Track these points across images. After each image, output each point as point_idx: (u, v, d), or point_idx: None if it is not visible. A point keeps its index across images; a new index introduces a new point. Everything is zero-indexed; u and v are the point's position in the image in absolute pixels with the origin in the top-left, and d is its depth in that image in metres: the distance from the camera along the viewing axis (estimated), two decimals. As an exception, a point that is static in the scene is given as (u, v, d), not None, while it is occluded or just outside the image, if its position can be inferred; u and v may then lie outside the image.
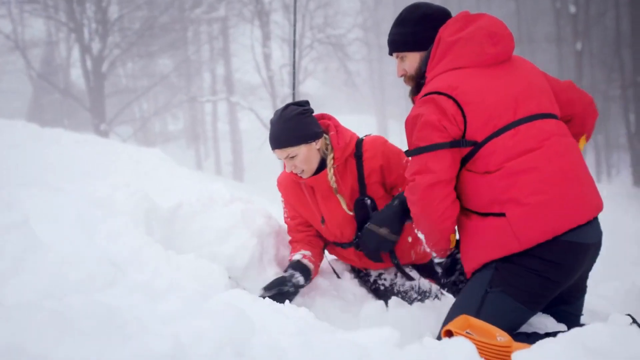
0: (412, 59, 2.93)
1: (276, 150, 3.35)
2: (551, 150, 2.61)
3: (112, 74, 26.24)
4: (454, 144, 2.64)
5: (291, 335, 1.82)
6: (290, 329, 1.90)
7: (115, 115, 23.57)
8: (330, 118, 3.50)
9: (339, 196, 3.42)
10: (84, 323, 1.31)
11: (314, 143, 3.31)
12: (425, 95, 2.69)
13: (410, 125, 2.76)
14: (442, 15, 2.89)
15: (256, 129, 28.92)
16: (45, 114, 31.43)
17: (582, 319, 3.05)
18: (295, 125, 3.27)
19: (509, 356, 1.87)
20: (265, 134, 25.51)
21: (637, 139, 24.08)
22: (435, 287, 3.71)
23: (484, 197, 2.63)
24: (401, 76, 3.01)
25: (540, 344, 1.82)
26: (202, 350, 1.34)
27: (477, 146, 2.62)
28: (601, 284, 4.64)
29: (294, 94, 4.53)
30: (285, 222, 3.72)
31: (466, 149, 2.65)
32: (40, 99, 32.69)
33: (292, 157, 3.31)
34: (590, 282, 3.36)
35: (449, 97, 2.63)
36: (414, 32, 2.88)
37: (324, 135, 3.39)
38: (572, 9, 24.56)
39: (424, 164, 2.67)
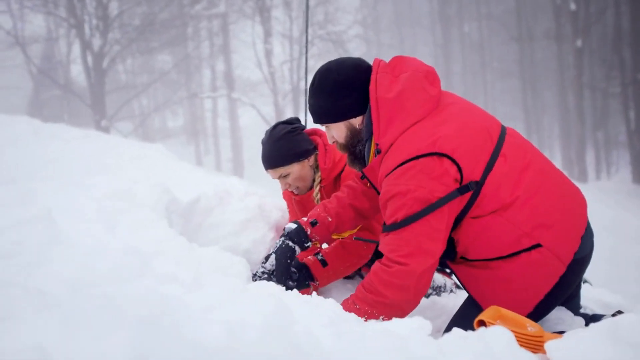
0: (337, 128, 2.74)
1: (269, 171, 3.32)
2: (538, 164, 2.58)
3: (112, 70, 26.19)
4: (453, 194, 2.42)
5: (323, 326, 1.83)
6: (322, 319, 1.91)
7: (116, 112, 23.54)
8: (321, 135, 3.41)
9: None
10: (135, 311, 1.32)
11: (305, 161, 3.28)
12: (405, 162, 2.45)
13: (394, 203, 2.47)
14: (355, 76, 2.66)
15: (256, 125, 28.95)
16: (45, 110, 31.42)
17: (599, 312, 3.09)
18: (284, 144, 3.24)
19: (541, 346, 1.89)
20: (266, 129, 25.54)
21: (636, 136, 24.13)
22: (449, 282, 3.74)
23: (508, 236, 2.46)
24: (332, 143, 2.84)
25: (572, 333, 1.84)
26: (250, 337, 1.36)
27: (478, 185, 2.46)
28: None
29: (306, 90, 4.54)
30: None
31: (467, 195, 2.47)
32: (40, 94, 32.67)
33: (285, 176, 3.29)
34: (596, 282, 3.42)
35: (437, 154, 2.42)
36: (330, 105, 2.68)
37: (316, 151, 3.34)
38: (573, 6, 24.59)
39: (418, 245, 2.43)
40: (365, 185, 3.01)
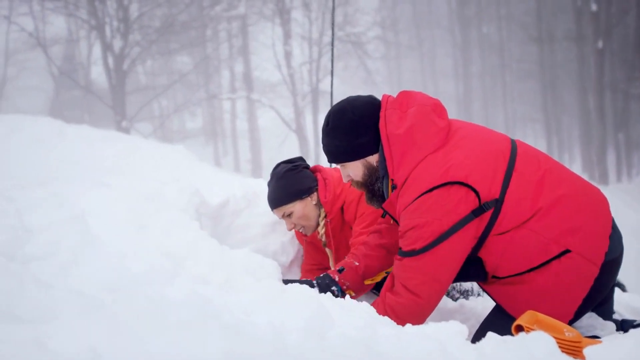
0: (354, 167, 2.77)
1: (273, 210, 3.32)
2: (553, 172, 2.59)
3: (132, 72, 26.36)
4: (468, 217, 2.45)
5: (358, 328, 1.83)
6: (357, 322, 1.92)
7: (136, 113, 23.67)
8: (320, 170, 3.40)
9: (327, 250, 3.39)
10: (181, 313, 1.33)
11: (308, 198, 3.26)
12: (421, 195, 2.49)
13: (412, 234, 2.51)
14: (369, 114, 2.69)
15: (275, 126, 28.96)
16: (66, 111, 31.66)
17: (628, 317, 3.06)
18: (286, 182, 3.24)
19: (580, 351, 1.88)
20: (286, 131, 25.63)
21: (659, 138, 23.87)
22: (476, 286, 3.72)
23: (535, 247, 2.48)
24: (348, 182, 2.86)
25: (611, 338, 1.83)
26: (292, 339, 1.37)
27: (498, 203, 2.48)
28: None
29: (332, 93, 4.54)
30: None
31: (486, 215, 2.49)
32: (61, 95, 32.95)
33: (289, 215, 3.27)
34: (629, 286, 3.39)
35: (451, 183, 2.46)
36: (348, 145, 2.70)
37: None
38: (594, 6, 24.37)
39: (431, 275, 2.50)
40: (389, 223, 3.01)
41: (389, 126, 2.60)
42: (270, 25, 26.69)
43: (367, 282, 3.08)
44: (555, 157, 33.03)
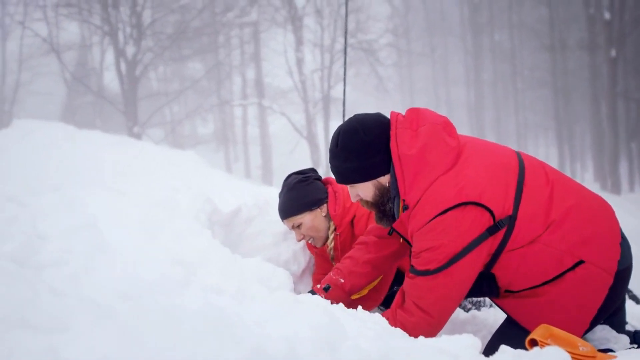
0: (365, 188, 2.71)
1: (284, 221, 3.32)
2: (559, 183, 2.58)
3: (144, 77, 26.48)
4: (483, 236, 2.44)
5: (371, 340, 1.82)
6: (369, 333, 1.91)
7: (148, 118, 23.77)
8: (331, 182, 3.39)
9: (335, 264, 3.38)
10: (194, 324, 1.33)
11: (318, 210, 3.26)
12: (435, 217, 2.46)
13: (426, 256, 2.49)
14: (380, 134, 2.64)
15: (286, 133, 29.00)
16: (78, 116, 31.85)
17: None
18: (296, 194, 3.24)
19: (594, 366, 1.86)
20: (297, 138, 25.67)
21: (672, 147, 23.72)
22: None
23: (549, 260, 2.47)
24: (356, 201, 2.82)
25: (626, 353, 1.81)
26: (305, 351, 1.36)
27: (512, 220, 2.46)
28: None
29: (344, 102, 4.54)
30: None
31: (502, 231, 2.47)
32: (73, 101, 33.14)
33: (298, 226, 3.27)
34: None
35: (464, 204, 2.44)
36: (359, 166, 2.65)
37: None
38: (607, 15, 24.27)
39: (444, 294, 2.49)
40: (377, 237, 3.00)
41: (400, 146, 2.56)
42: (282, 32, 26.75)
43: (355, 296, 3.09)
44: (567, 167, 33.01)
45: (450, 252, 2.44)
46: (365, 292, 3.15)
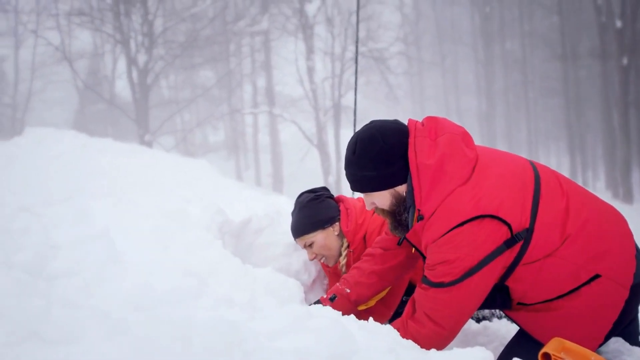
0: (381, 196, 2.64)
1: (296, 240, 3.31)
2: (574, 193, 2.55)
3: (155, 86, 26.62)
4: (500, 249, 2.40)
5: (382, 353, 1.82)
6: (381, 345, 1.90)
7: (159, 126, 23.89)
8: (343, 200, 3.38)
9: None
10: (205, 339, 1.33)
11: (330, 228, 3.24)
12: (451, 230, 2.42)
13: (442, 268, 2.45)
14: (399, 142, 2.56)
15: (297, 141, 29.06)
16: (90, 124, 32.05)
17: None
18: (308, 212, 3.23)
19: (608, 380, 1.85)
20: (307, 146, 25.71)
21: (685, 156, 23.57)
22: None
23: (565, 274, 2.44)
24: (371, 209, 2.74)
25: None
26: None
27: (529, 233, 2.42)
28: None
29: (355, 111, 4.55)
30: None
31: (519, 244, 2.43)
32: (85, 109, 33.37)
33: (310, 245, 3.26)
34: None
35: (482, 217, 2.39)
36: (377, 174, 2.57)
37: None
38: (618, 23, 24.22)
39: (458, 307, 2.45)
40: (384, 249, 2.98)
41: (419, 155, 2.51)
42: (293, 40, 26.88)
43: (361, 307, 3.07)
44: (579, 175, 32.85)
45: (466, 266, 2.40)
46: (372, 303, 3.13)
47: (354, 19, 25.33)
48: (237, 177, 30.59)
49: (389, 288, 3.17)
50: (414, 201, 2.56)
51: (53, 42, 24.69)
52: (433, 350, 2.06)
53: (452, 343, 2.86)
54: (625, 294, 2.43)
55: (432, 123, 2.58)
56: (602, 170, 34.75)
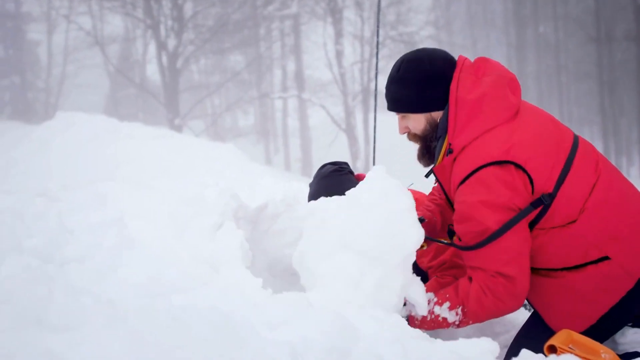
0: (417, 120, 2.65)
1: None
2: (607, 175, 2.51)
3: (185, 70, 26.76)
4: (529, 209, 2.39)
5: (388, 343, 1.80)
6: (386, 335, 1.89)
7: (189, 111, 24.05)
8: (363, 178, 3.38)
9: None
10: (201, 328, 1.33)
11: None
12: (477, 170, 2.42)
13: (478, 212, 2.42)
14: (446, 69, 2.59)
15: (325, 126, 29.02)
16: (121, 108, 32.42)
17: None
18: (329, 182, 3.21)
19: (616, 374, 1.82)
20: (336, 130, 25.65)
21: None
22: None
23: (575, 248, 2.42)
24: (403, 133, 2.74)
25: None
26: (313, 356, 1.35)
27: (550, 198, 2.40)
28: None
29: (376, 95, 4.50)
30: None
31: (536, 210, 2.41)
32: (116, 93, 33.73)
33: None
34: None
35: (510, 163, 2.38)
36: (418, 95, 2.59)
37: None
38: (655, 5, 23.67)
39: (517, 252, 2.41)
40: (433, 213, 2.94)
41: (460, 89, 2.50)
42: (322, 24, 26.75)
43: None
44: (613, 160, 32.28)
45: (501, 207, 2.38)
46: (426, 246, 3.07)
47: (383, 2, 25.16)
48: (266, 161, 30.72)
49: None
50: (446, 131, 2.56)
51: (85, 27, 24.97)
52: (439, 340, 2.04)
53: (464, 332, 2.84)
54: (631, 283, 2.40)
55: (482, 62, 2.59)
56: (636, 155, 34.17)
